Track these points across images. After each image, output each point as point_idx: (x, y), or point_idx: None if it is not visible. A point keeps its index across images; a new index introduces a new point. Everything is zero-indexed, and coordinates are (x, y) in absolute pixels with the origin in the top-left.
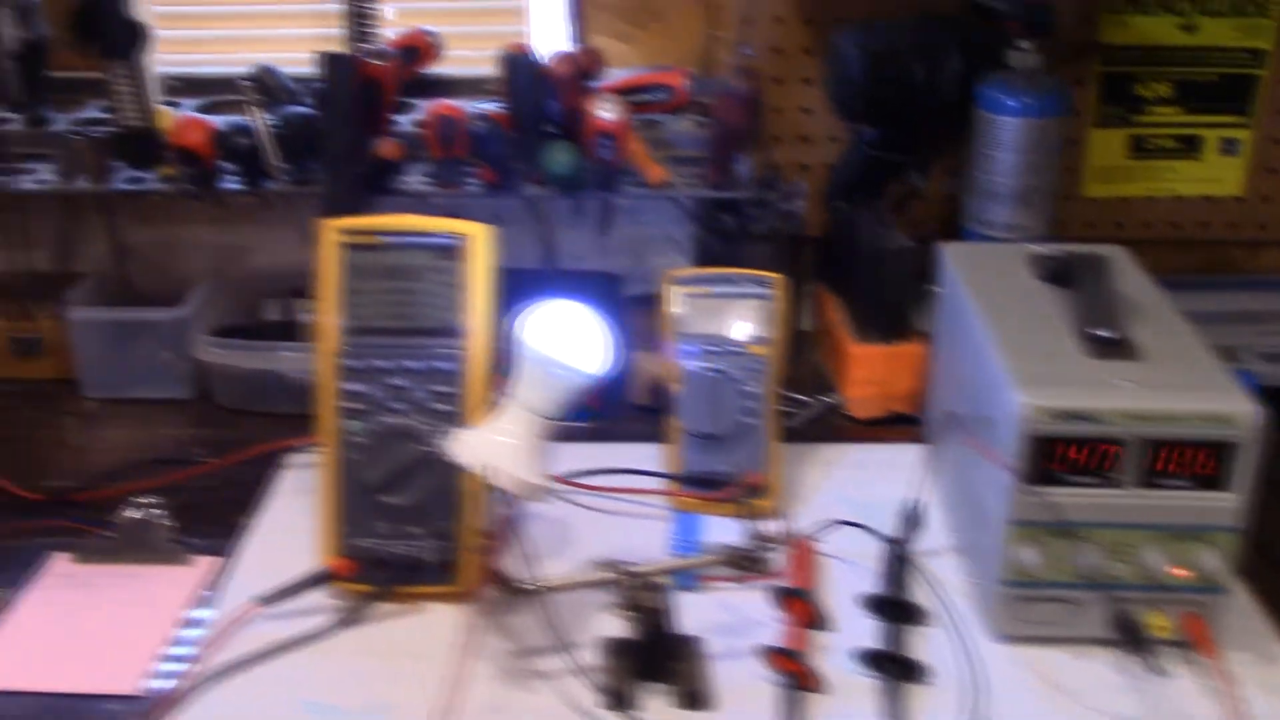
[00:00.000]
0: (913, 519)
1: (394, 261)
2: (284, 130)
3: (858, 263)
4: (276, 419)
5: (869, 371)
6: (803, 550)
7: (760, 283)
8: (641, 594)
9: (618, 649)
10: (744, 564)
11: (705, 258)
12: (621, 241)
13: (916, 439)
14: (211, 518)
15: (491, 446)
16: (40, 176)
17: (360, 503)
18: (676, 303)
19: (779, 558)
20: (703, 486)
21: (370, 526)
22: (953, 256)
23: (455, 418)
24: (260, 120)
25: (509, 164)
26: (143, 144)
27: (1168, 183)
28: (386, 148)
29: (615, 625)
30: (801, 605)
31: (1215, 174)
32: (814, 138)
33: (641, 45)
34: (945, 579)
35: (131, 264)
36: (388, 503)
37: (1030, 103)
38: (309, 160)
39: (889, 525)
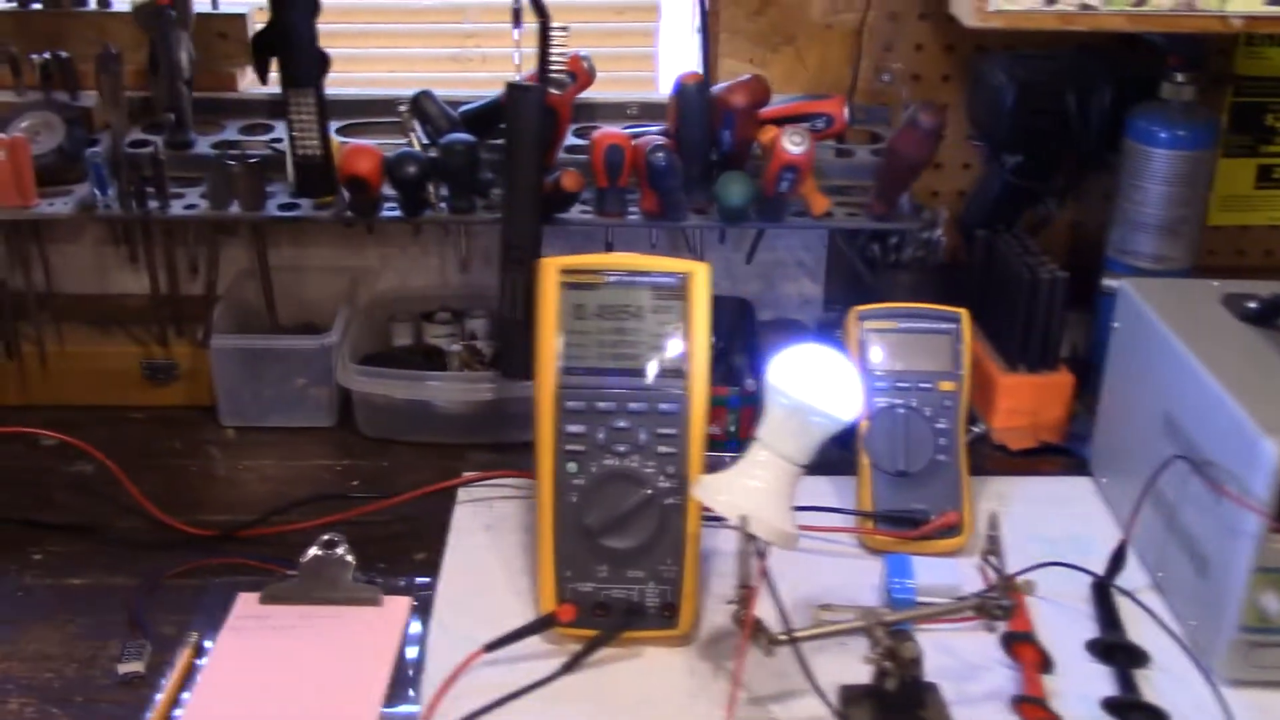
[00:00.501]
0: (1119, 557)
1: (615, 300)
2: (445, 159)
3: (1007, 291)
4: (422, 449)
5: (1019, 401)
6: (1019, 592)
7: (946, 318)
8: (895, 642)
9: (864, 697)
10: (994, 612)
11: (844, 285)
12: (754, 266)
13: (1070, 469)
14: (388, 555)
15: (745, 493)
16: (189, 201)
17: (580, 546)
18: (863, 338)
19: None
20: (898, 525)
21: (590, 570)
22: (1139, 293)
23: (678, 460)
24: (420, 147)
25: (677, 194)
26: (318, 173)
27: None
28: (569, 180)
29: (856, 672)
30: (1032, 650)
31: None
32: (948, 164)
33: (771, 70)
34: (1156, 618)
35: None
36: (608, 546)
37: (1183, 135)
38: (468, 189)
39: (1080, 561)
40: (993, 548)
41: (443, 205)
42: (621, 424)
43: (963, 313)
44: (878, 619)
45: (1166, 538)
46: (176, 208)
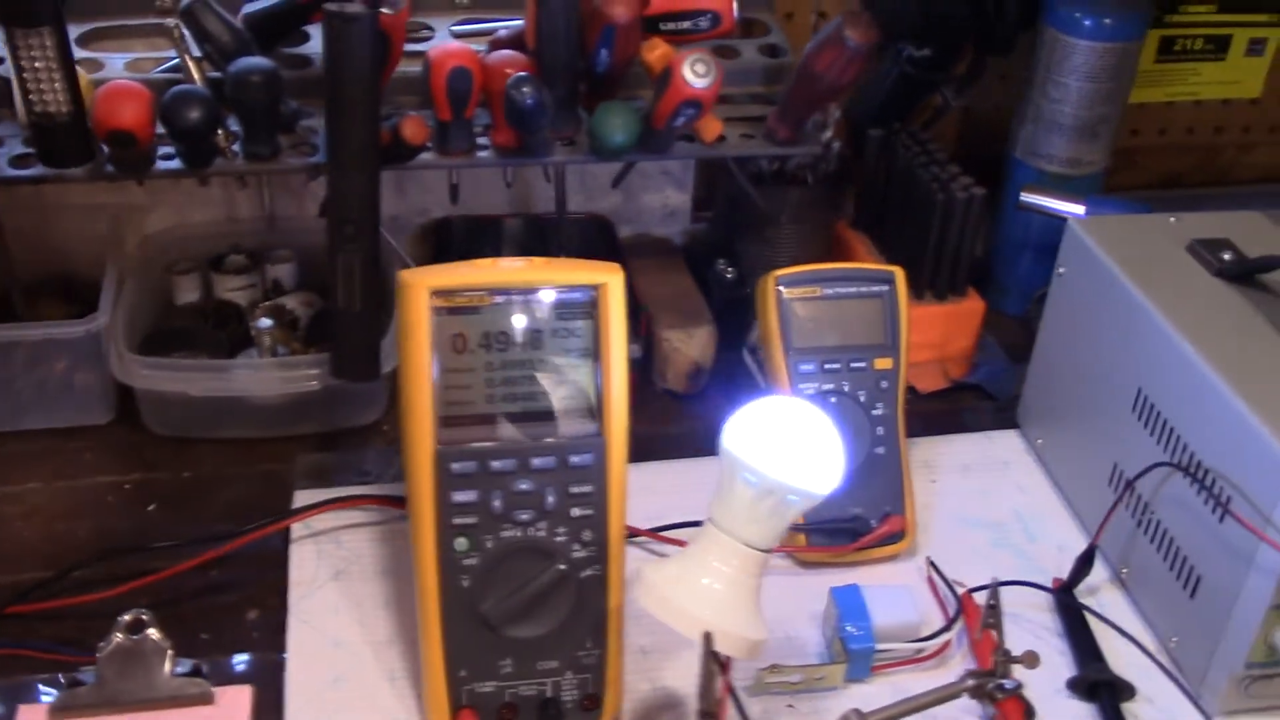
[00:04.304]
0: (1085, 563)
1: (504, 325)
2: (237, 95)
3: (911, 208)
4: (232, 448)
5: (927, 335)
6: (973, 616)
7: (876, 278)
8: None
9: None
10: (994, 695)
11: (721, 201)
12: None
13: (985, 413)
14: (209, 617)
15: (705, 599)
16: None
17: (476, 639)
18: (785, 309)
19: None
20: (834, 536)
21: (491, 667)
22: (1090, 236)
23: (596, 523)
24: (196, 70)
25: (540, 127)
26: (65, 134)
27: (1190, 86)
28: (410, 129)
29: None
30: (1016, 704)
31: (1237, 76)
32: None
33: None
34: (1145, 649)
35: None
36: (513, 636)
37: (1110, 24)
38: (268, 128)
39: (1031, 549)
40: (992, 619)
41: (235, 148)
42: (523, 485)
43: (897, 271)
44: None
45: (1135, 533)
46: None
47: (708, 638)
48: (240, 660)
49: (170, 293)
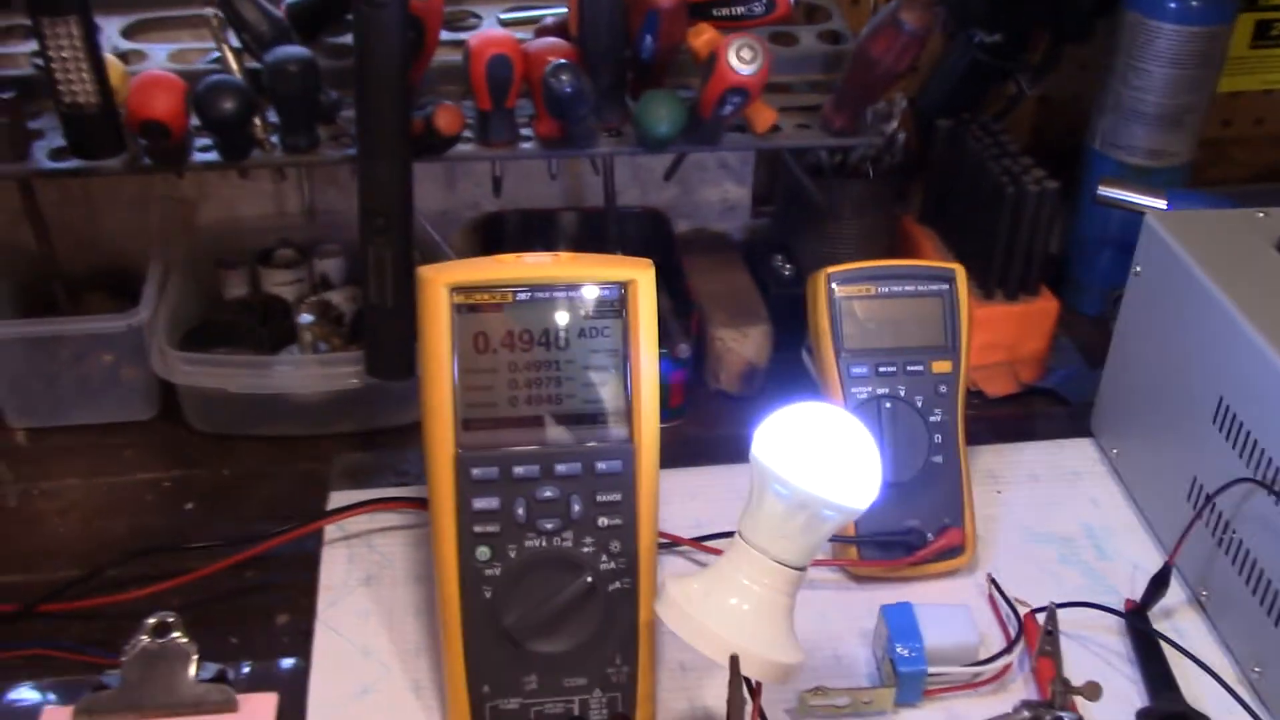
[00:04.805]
0: (1159, 583)
1: (528, 324)
2: (274, 84)
3: (981, 201)
4: (273, 445)
5: (997, 335)
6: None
7: (936, 276)
8: None
9: None
10: None
11: (781, 196)
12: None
13: (1057, 419)
14: (238, 620)
15: (732, 620)
16: None
17: (500, 653)
18: (838, 307)
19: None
20: (888, 550)
21: (515, 683)
22: (1170, 232)
23: (625, 533)
24: (236, 63)
25: (586, 121)
26: (95, 125)
27: None
28: (444, 119)
29: None
30: None
31: None
32: None
33: None
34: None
35: (56, 249)
36: (537, 651)
37: (1198, 5)
38: (307, 119)
39: (1102, 567)
40: (1049, 645)
41: (274, 139)
42: (548, 493)
43: (957, 269)
44: None
45: (1215, 552)
46: None
47: (735, 661)
48: (268, 666)
49: (218, 287)
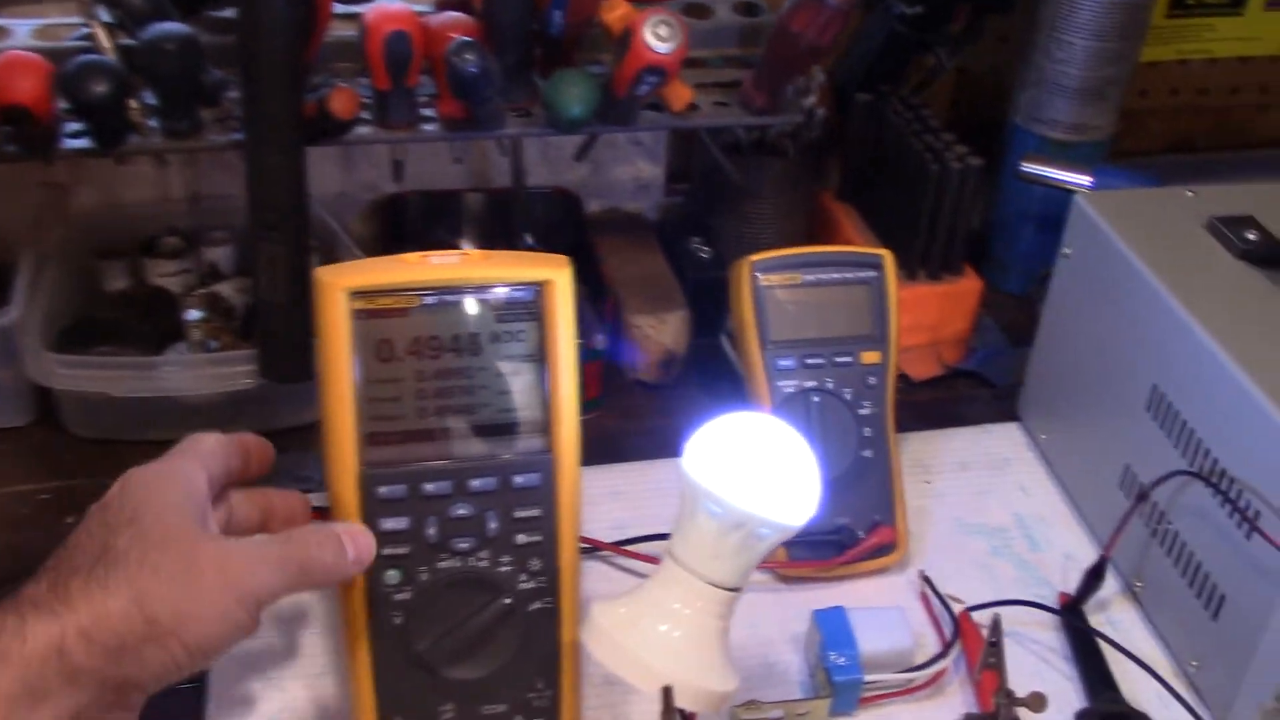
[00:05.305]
0: (1095, 576)
1: (435, 330)
2: (151, 64)
3: (903, 179)
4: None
5: (921, 316)
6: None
7: (863, 262)
8: None
9: None
10: None
11: (697, 174)
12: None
13: (982, 402)
14: None
15: (663, 648)
16: None
17: (413, 682)
18: (762, 297)
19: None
20: (818, 549)
21: (430, 713)
22: (1099, 212)
23: (545, 550)
24: (107, 40)
25: (491, 102)
26: None
27: (1205, 44)
28: (339, 102)
29: None
30: None
31: (1255, 31)
32: None
33: None
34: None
35: None
36: (454, 677)
37: None
38: (188, 100)
39: (1035, 559)
40: (993, 658)
41: (152, 123)
42: (461, 510)
43: (885, 255)
44: None
45: (1149, 543)
46: None
47: (668, 693)
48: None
49: (97, 279)
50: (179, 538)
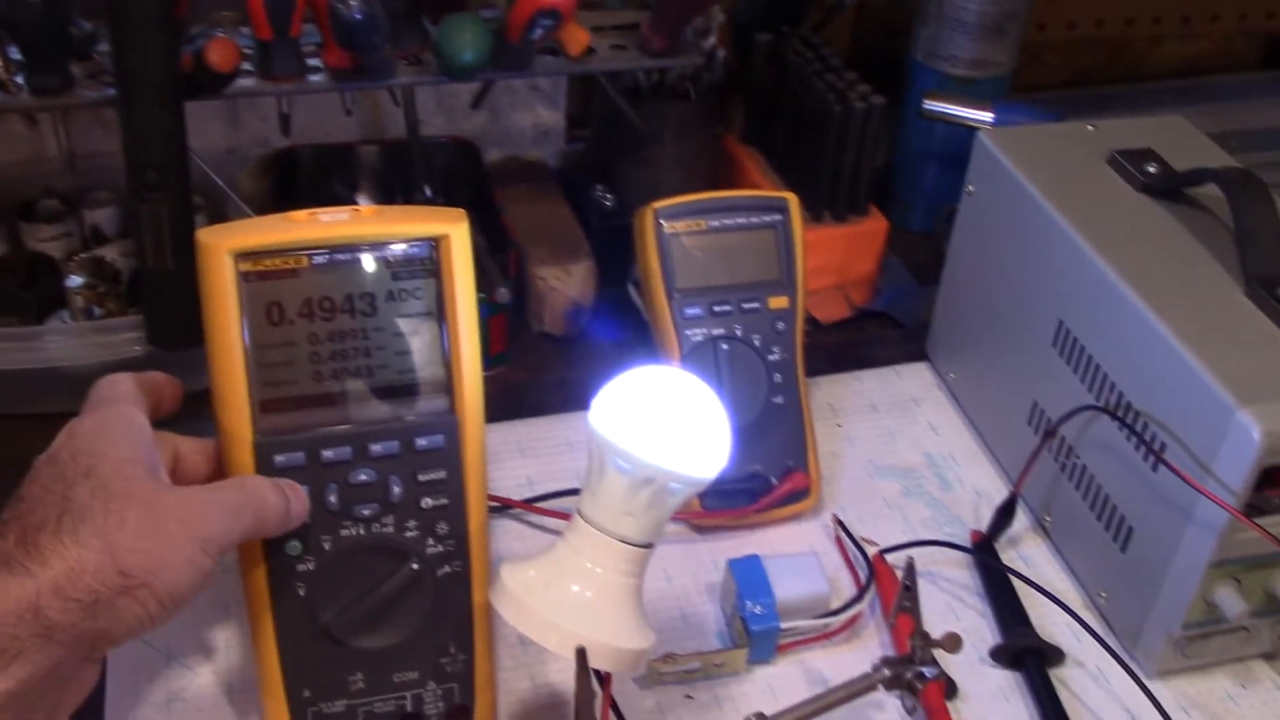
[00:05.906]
0: (1005, 513)
1: (327, 290)
2: (12, 16)
3: (804, 120)
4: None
5: (827, 258)
6: (886, 581)
7: (768, 206)
8: None
9: None
10: (914, 685)
11: (598, 120)
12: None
13: (892, 343)
14: None
15: (576, 609)
16: None
17: (320, 654)
18: (666, 245)
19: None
20: (731, 498)
21: (339, 683)
22: (1001, 148)
23: (452, 513)
24: None
25: (378, 46)
26: None
27: None
28: (217, 53)
29: None
30: (936, 686)
31: None
32: None
33: None
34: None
35: None
36: (362, 647)
37: None
38: (56, 55)
39: (945, 497)
40: (908, 602)
41: (19, 79)
42: (362, 476)
43: (790, 198)
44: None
45: (1058, 477)
46: None
47: (581, 654)
48: None
49: None
50: (139, 489)
